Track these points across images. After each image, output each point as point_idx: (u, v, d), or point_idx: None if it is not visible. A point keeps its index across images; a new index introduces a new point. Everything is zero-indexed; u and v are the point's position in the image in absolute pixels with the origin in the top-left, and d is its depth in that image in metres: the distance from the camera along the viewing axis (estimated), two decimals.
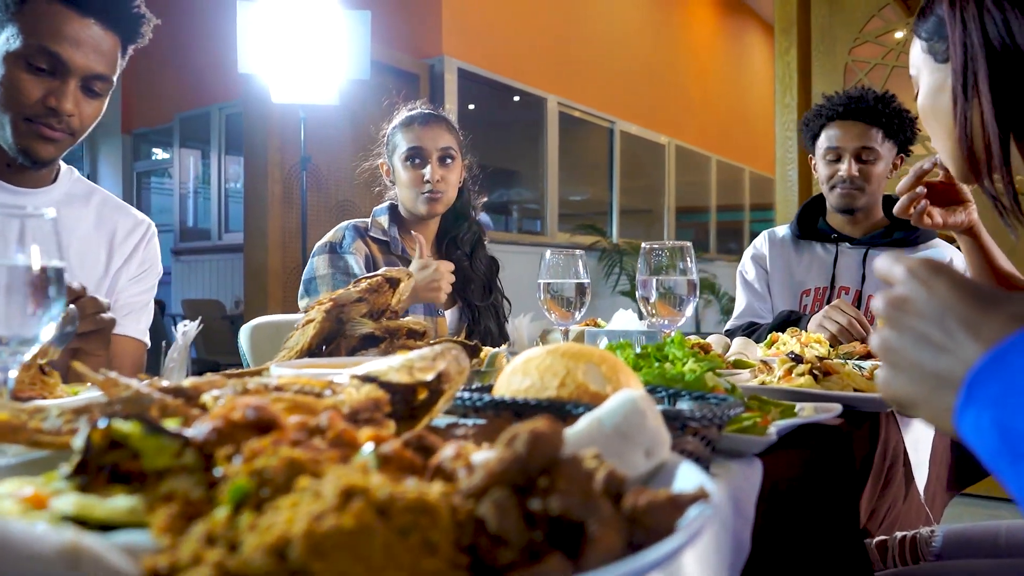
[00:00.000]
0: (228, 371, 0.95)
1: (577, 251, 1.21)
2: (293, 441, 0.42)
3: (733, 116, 11.01)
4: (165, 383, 0.57)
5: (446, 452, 0.43)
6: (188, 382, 0.56)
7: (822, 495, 0.83)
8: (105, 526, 0.39)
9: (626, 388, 0.64)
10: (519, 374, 0.66)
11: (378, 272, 1.10)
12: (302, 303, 1.63)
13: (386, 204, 1.84)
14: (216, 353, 5.57)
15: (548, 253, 1.21)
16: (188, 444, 0.42)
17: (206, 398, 0.54)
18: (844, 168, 1.89)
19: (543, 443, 0.38)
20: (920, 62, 1.02)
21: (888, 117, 1.89)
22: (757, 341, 1.56)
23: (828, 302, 1.87)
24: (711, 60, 10.49)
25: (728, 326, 2.06)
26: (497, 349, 0.95)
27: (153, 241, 1.61)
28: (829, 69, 3.99)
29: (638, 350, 1.10)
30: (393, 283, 1.08)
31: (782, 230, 2.09)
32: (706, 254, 9.30)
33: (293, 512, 0.34)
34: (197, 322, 0.95)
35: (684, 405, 0.72)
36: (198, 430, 0.42)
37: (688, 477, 0.47)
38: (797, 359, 1.05)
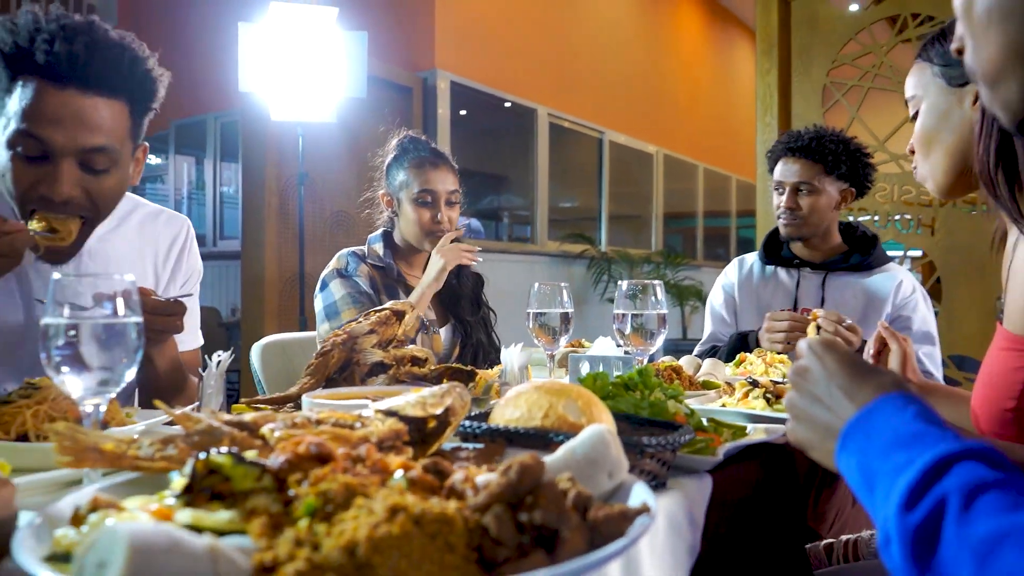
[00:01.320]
0: (264, 397, 1.09)
1: (562, 283, 1.36)
2: (344, 469, 0.57)
3: (720, 125, 11.19)
4: (227, 416, 0.71)
5: (457, 476, 0.58)
6: (249, 417, 0.70)
7: (767, 504, 0.98)
8: (204, 531, 0.53)
9: (597, 420, 0.79)
10: (511, 406, 0.81)
11: (385, 306, 1.24)
12: (323, 327, 1.76)
13: (380, 232, 1.97)
14: None
15: (536, 285, 1.36)
16: (266, 471, 0.56)
17: (265, 430, 0.69)
18: (784, 200, 2.06)
19: (529, 472, 0.53)
20: (926, 85, 1.15)
21: (827, 156, 2.04)
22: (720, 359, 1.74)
23: None
24: (698, 70, 10.66)
25: (695, 352, 2.21)
26: (492, 380, 1.10)
27: (193, 243, 1.63)
28: (808, 90, 4.15)
29: (614, 374, 1.25)
30: (399, 315, 1.23)
31: (751, 257, 2.25)
32: (693, 261, 9.46)
33: (355, 522, 0.48)
34: (230, 352, 1.09)
35: (647, 433, 0.87)
36: (274, 461, 0.57)
37: (639, 495, 0.61)
38: (754, 383, 1.20)
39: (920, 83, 1.15)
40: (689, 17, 10.41)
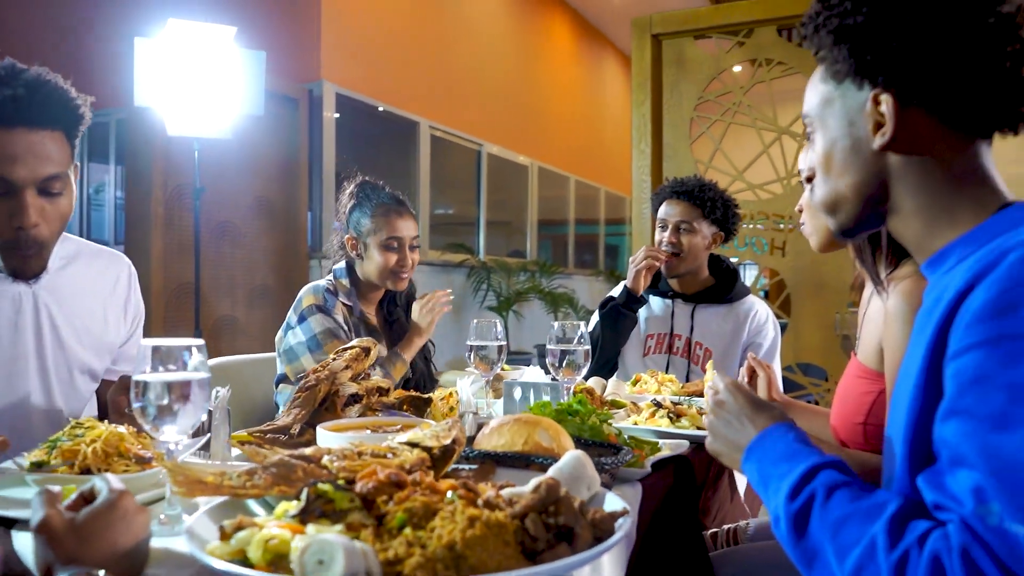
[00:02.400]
0: (263, 428, 1.27)
1: (497, 318, 1.60)
2: (412, 489, 0.79)
3: (590, 139, 11.74)
4: (288, 451, 0.91)
5: (489, 493, 0.81)
6: (310, 450, 0.91)
7: (677, 503, 1.26)
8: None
9: (564, 444, 1.04)
10: (495, 435, 1.05)
11: (355, 344, 1.44)
12: (306, 358, 1.89)
13: (343, 266, 2.13)
14: None
15: (475, 321, 1.60)
16: (359, 494, 0.77)
17: (325, 460, 0.89)
18: (666, 237, 2.38)
19: (552, 490, 0.77)
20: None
21: (705, 202, 2.37)
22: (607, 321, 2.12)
23: (668, 347, 2.36)
24: (571, 87, 11.16)
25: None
26: (457, 418, 1.33)
27: (136, 283, 1.73)
28: (678, 121, 4.57)
29: (543, 398, 1.51)
30: (367, 351, 1.43)
31: None
32: (565, 269, 9.90)
33: (443, 529, 0.71)
34: (227, 388, 1.26)
35: (594, 453, 1.12)
36: (363, 486, 0.78)
37: (612, 502, 0.87)
38: (659, 405, 1.49)
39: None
40: (562, 37, 10.89)
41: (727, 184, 4.57)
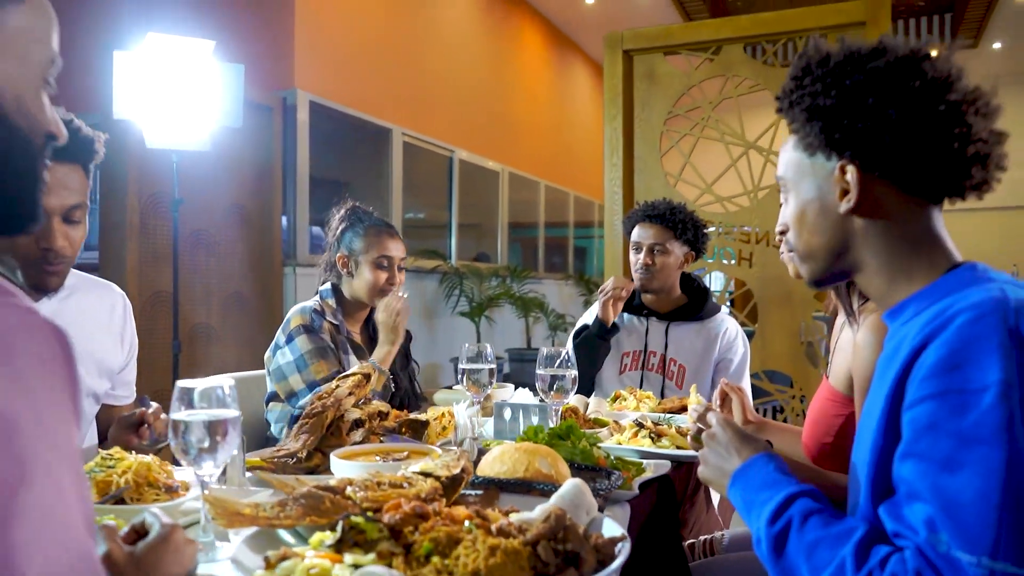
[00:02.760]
0: (273, 453, 1.35)
1: (488, 345, 1.69)
2: (435, 520, 0.88)
3: (560, 144, 11.88)
4: (315, 483, 1.00)
5: (502, 521, 0.91)
6: (334, 482, 0.99)
7: (660, 519, 1.36)
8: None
9: (561, 471, 1.13)
10: (498, 462, 1.14)
11: (356, 371, 1.52)
12: (294, 378, 1.96)
13: (329, 286, 2.20)
14: None
15: (466, 345, 1.69)
16: (387, 525, 0.86)
17: (349, 491, 0.98)
18: (641, 258, 2.48)
19: (560, 519, 0.87)
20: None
21: (676, 224, 2.48)
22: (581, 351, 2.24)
23: (643, 363, 2.47)
24: (541, 93, 11.28)
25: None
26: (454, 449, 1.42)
27: (130, 313, 1.84)
28: (649, 136, 4.70)
29: (534, 419, 1.60)
30: (368, 377, 1.51)
31: None
32: (535, 273, 10.01)
33: (467, 557, 0.80)
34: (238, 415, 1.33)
35: (586, 477, 1.22)
36: (390, 518, 0.87)
37: (610, 527, 0.96)
38: (640, 425, 1.59)
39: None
40: (532, 44, 11.00)
41: (696, 196, 4.72)
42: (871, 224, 0.93)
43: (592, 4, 10.88)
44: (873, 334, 1.29)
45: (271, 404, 2.08)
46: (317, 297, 2.16)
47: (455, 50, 8.84)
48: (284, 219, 6.22)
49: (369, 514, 0.88)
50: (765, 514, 0.92)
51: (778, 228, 1.07)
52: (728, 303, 4.67)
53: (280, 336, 2.07)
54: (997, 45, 11.99)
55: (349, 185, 7.93)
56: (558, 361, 1.58)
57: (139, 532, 0.84)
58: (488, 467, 1.14)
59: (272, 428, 2.08)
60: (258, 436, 2.13)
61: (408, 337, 2.27)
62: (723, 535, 1.69)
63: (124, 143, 4.74)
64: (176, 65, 3.87)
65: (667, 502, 1.44)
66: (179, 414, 0.97)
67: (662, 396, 2.38)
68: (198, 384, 0.98)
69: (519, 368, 8.97)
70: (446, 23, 8.72)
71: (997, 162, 0.92)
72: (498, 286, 8.57)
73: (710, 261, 4.58)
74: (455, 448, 1.40)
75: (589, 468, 1.22)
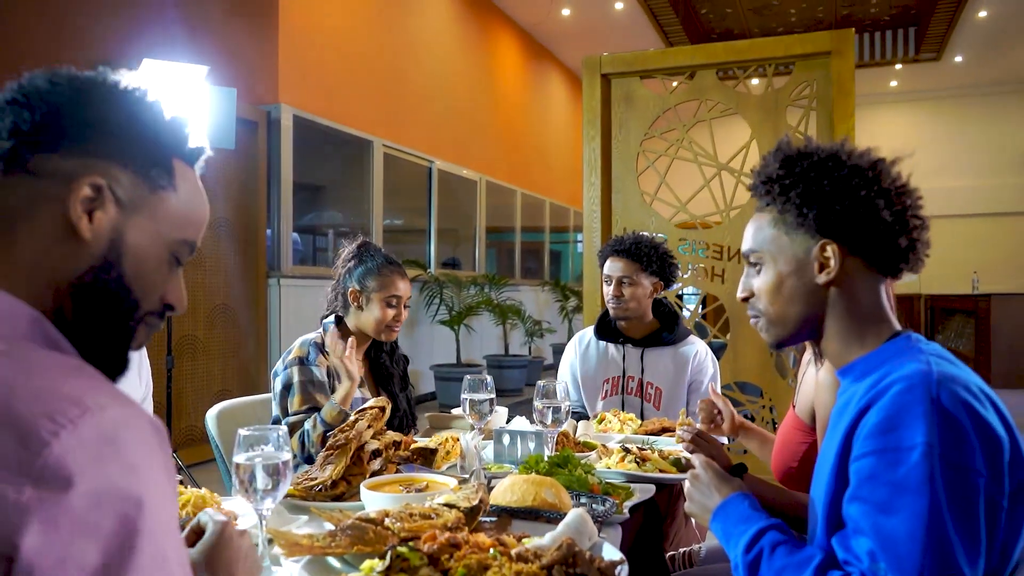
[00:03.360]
0: (308, 481, 1.51)
1: (488, 376, 1.87)
2: (467, 549, 1.06)
3: (536, 152, 12.08)
4: (359, 514, 1.16)
5: (519, 548, 1.08)
6: (374, 514, 1.16)
7: (646, 534, 1.54)
8: None
9: (563, 499, 1.31)
10: (509, 492, 1.32)
11: (372, 404, 1.68)
12: (294, 399, 2.11)
13: (333, 319, 2.34)
14: None
15: (467, 377, 1.86)
16: (426, 553, 1.04)
17: (387, 522, 1.15)
18: (611, 290, 2.66)
19: (571, 546, 1.04)
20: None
21: (643, 257, 2.66)
22: None
23: (623, 387, 2.65)
24: (518, 103, 11.47)
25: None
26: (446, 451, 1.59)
27: (145, 350, 2.00)
28: (626, 156, 4.89)
29: (532, 444, 1.78)
30: (383, 411, 1.68)
31: (588, 332, 2.83)
32: (513, 280, 10.19)
33: None
34: None
35: (583, 504, 1.40)
36: (430, 547, 1.04)
37: (609, 551, 1.14)
38: (627, 450, 1.77)
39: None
40: (509, 55, 11.18)
41: (671, 215, 4.93)
42: (841, 294, 1.12)
43: (568, 15, 11.10)
44: (832, 377, 1.48)
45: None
46: (321, 330, 2.30)
47: (434, 63, 9.00)
48: (268, 231, 6.35)
49: (411, 544, 1.06)
50: (741, 545, 1.11)
51: (741, 295, 1.24)
52: (700, 316, 4.87)
53: (279, 364, 2.21)
54: (959, 59, 12.39)
55: (331, 196, 8.06)
56: (554, 394, 1.75)
57: (197, 532, 0.98)
58: (500, 496, 1.31)
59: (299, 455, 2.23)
60: None
61: (405, 361, 2.42)
62: (700, 548, 1.87)
63: None
64: (171, 89, 4.00)
65: (651, 520, 1.63)
66: (241, 457, 1.13)
67: (642, 417, 2.57)
68: (255, 431, 1.14)
69: (498, 374, 9.15)
70: (426, 37, 8.88)
71: (925, 251, 1.13)
72: (476, 294, 8.73)
73: (684, 277, 4.79)
74: (467, 475, 1.57)
75: (585, 495, 1.40)
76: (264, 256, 6.25)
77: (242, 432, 1.14)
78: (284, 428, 1.17)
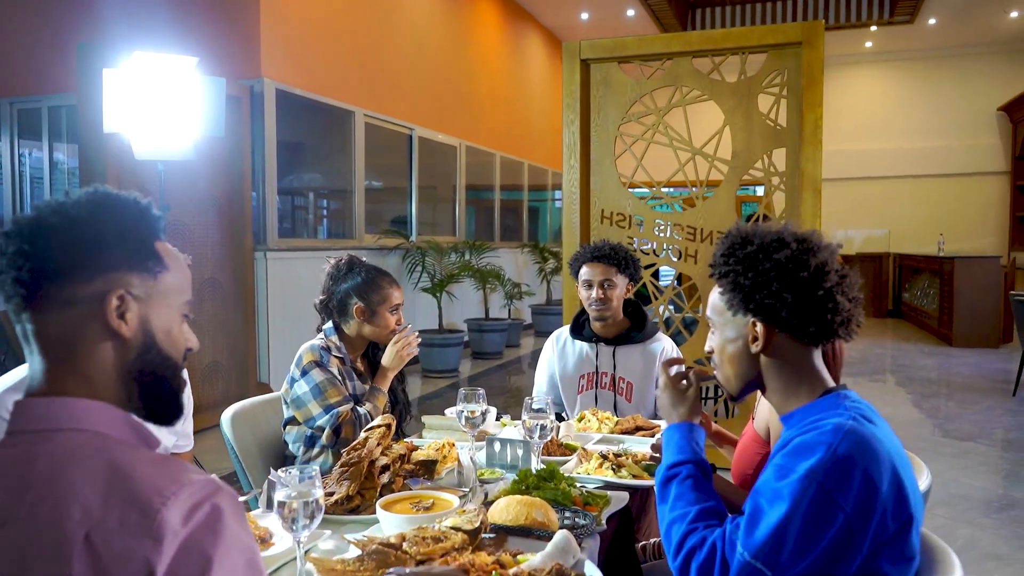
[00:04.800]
0: (334, 498, 1.72)
1: (480, 389, 2.09)
2: (476, 572, 1.29)
3: (515, 116, 12.16)
4: (380, 539, 1.39)
5: (515, 570, 1.32)
6: (393, 539, 1.38)
7: (619, 533, 1.79)
8: None
9: (551, 518, 1.54)
10: (504, 512, 1.54)
11: (379, 423, 1.90)
12: (312, 404, 2.33)
13: (331, 325, 2.52)
14: None
15: (461, 390, 2.08)
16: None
17: (404, 546, 1.37)
18: (594, 294, 2.87)
19: (561, 570, 1.28)
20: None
21: (619, 260, 2.87)
22: None
23: (596, 383, 2.88)
24: (498, 68, 11.50)
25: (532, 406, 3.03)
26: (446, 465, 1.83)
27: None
28: (604, 139, 5.06)
29: (519, 451, 2.01)
30: (389, 427, 1.89)
31: (564, 331, 3.04)
32: (492, 244, 10.36)
33: None
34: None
35: (566, 516, 1.63)
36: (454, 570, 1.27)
37: (591, 568, 1.38)
38: (604, 457, 2.01)
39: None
40: (489, 19, 11.18)
41: (646, 197, 5.13)
42: (772, 361, 1.34)
43: None
44: None
45: (288, 427, 2.45)
46: (322, 336, 2.51)
47: (415, 30, 9.03)
48: (254, 205, 6.47)
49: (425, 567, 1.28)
50: (667, 460, 1.41)
51: (706, 349, 1.47)
52: (675, 295, 5.10)
53: (295, 371, 2.42)
54: (932, 21, 12.55)
55: (314, 167, 8.15)
56: (542, 410, 1.97)
57: None
58: (497, 516, 1.54)
59: (290, 447, 2.45)
60: (278, 453, 2.49)
61: None
62: None
63: (100, 142, 4.93)
64: (161, 80, 4.10)
65: (624, 522, 1.87)
66: (281, 495, 1.34)
67: (615, 409, 2.81)
68: (290, 472, 1.35)
69: (478, 338, 9.40)
70: (406, 4, 8.89)
71: (857, 321, 1.34)
72: (457, 261, 8.91)
73: (660, 256, 5.02)
74: (466, 489, 1.80)
75: (571, 509, 1.63)
76: (250, 230, 6.38)
77: (279, 474, 1.35)
78: (316, 469, 1.38)
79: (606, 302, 2.81)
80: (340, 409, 2.33)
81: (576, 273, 2.91)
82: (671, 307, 5.32)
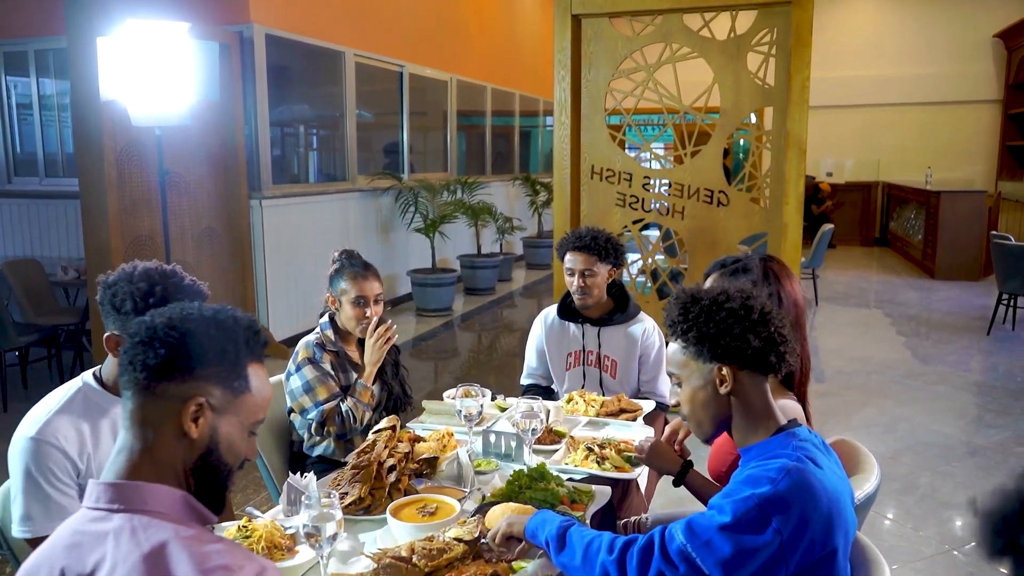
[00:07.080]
0: (347, 503, 1.93)
1: (476, 385, 2.28)
2: None
3: (506, 47, 12.02)
4: (393, 551, 1.60)
5: None
6: (404, 552, 1.59)
7: (604, 525, 2.02)
8: None
9: None
10: (500, 520, 1.75)
11: (384, 426, 2.08)
12: (304, 398, 2.51)
13: (327, 319, 2.68)
14: (45, 315, 5.87)
15: (459, 387, 2.27)
16: None
17: (414, 559, 1.58)
18: (576, 282, 3.03)
19: None
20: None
21: (600, 249, 3.01)
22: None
23: (583, 360, 3.07)
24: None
25: (522, 381, 3.22)
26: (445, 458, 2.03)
27: None
28: (595, 96, 5.13)
29: (513, 443, 2.22)
30: (394, 429, 2.08)
31: (552, 311, 3.20)
32: (484, 178, 10.41)
33: None
34: (311, 473, 1.90)
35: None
36: None
37: None
38: (590, 450, 2.21)
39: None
40: None
41: (635, 153, 5.22)
42: (738, 400, 1.53)
43: None
44: None
45: (291, 415, 2.64)
46: (318, 330, 2.67)
47: None
48: (248, 154, 6.52)
49: None
50: (554, 522, 1.55)
51: (672, 403, 1.67)
52: (663, 250, 5.26)
53: (291, 365, 2.60)
54: None
55: (306, 110, 8.14)
56: (532, 412, 2.17)
57: None
58: (493, 524, 1.75)
59: (296, 431, 2.65)
60: (284, 437, 2.70)
61: (396, 350, 2.80)
62: (647, 517, 2.35)
63: (93, 103, 4.96)
64: (155, 46, 4.13)
65: (607, 512, 2.10)
66: (306, 523, 1.54)
67: (601, 386, 3.02)
68: (310, 493, 1.55)
69: (471, 274, 9.57)
70: None
71: (793, 350, 1.54)
72: (451, 200, 8.98)
73: (648, 212, 5.16)
74: (466, 488, 2.00)
75: (552, 506, 1.84)
76: (245, 177, 6.45)
77: (298, 478, 1.55)
78: (336, 497, 1.58)
79: (587, 290, 2.98)
80: (324, 407, 2.50)
81: (562, 258, 3.07)
82: (659, 259, 5.49)
